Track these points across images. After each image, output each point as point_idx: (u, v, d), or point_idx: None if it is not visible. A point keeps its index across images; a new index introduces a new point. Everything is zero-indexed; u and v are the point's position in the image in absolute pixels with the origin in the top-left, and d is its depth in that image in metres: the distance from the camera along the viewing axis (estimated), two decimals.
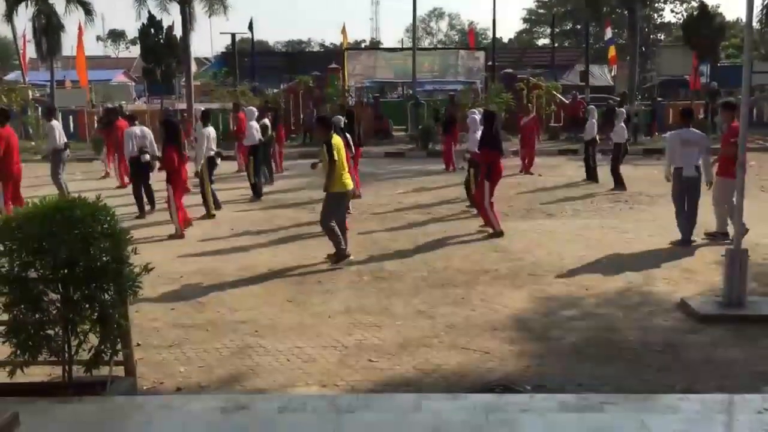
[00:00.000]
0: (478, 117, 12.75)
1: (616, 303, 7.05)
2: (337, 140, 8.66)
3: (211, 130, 12.24)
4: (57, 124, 13.91)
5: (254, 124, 14.22)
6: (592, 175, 15.56)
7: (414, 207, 12.83)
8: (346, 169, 8.77)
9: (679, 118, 10.00)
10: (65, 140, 13.72)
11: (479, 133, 11.00)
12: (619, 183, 14.24)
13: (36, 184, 13.89)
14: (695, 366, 5.47)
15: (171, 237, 10.39)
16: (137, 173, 12.38)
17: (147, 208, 12.25)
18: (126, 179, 14.81)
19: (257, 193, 13.84)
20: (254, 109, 15.30)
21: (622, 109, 16.17)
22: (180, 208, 10.57)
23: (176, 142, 10.49)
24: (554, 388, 5.00)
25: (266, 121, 15.38)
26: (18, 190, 10.78)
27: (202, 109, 14.99)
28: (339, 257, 8.61)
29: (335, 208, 8.74)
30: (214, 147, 12.22)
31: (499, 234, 10.12)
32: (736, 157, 7.02)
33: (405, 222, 11.41)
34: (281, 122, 19.37)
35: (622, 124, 14.61)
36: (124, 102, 31.99)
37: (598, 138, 15.67)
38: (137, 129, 12.62)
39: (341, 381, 5.29)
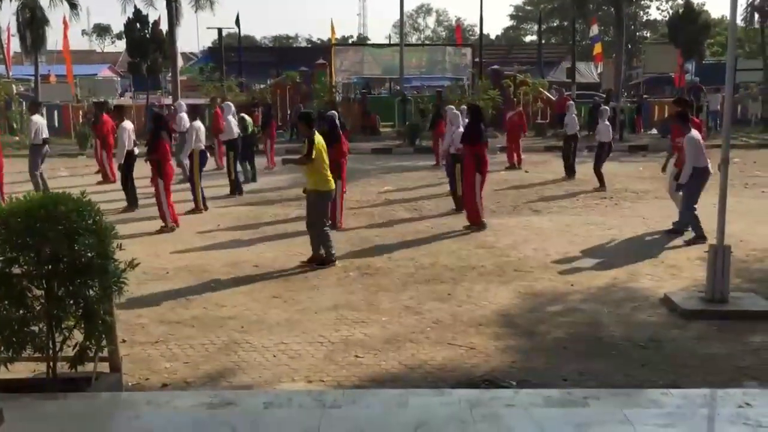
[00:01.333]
0: (458, 113, 12.81)
1: (600, 299, 7.11)
2: (318, 138, 8.43)
3: (199, 125, 12.18)
4: (39, 119, 13.80)
5: (231, 119, 14.18)
6: (569, 171, 15.57)
7: (401, 203, 12.85)
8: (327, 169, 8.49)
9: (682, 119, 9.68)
10: (45, 136, 13.57)
11: (461, 129, 11.06)
12: (601, 182, 14.18)
13: (19, 180, 13.77)
14: (678, 361, 5.52)
15: (161, 230, 10.37)
16: (129, 167, 12.40)
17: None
18: (116, 174, 14.75)
19: (237, 190, 13.74)
20: (231, 104, 15.17)
21: (606, 107, 16.16)
22: (170, 203, 10.54)
23: (168, 135, 10.53)
24: (539, 383, 5.03)
25: (245, 116, 15.37)
26: None
27: (186, 103, 14.95)
28: (327, 261, 8.41)
29: (326, 208, 8.66)
30: (203, 141, 12.17)
31: (482, 227, 10.16)
32: None
33: (392, 218, 11.43)
34: (273, 118, 19.29)
35: (607, 122, 14.35)
36: (111, 97, 31.82)
37: (579, 134, 15.69)
38: (129, 124, 12.68)
39: (327, 377, 5.29)
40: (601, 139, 14.03)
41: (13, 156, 20.39)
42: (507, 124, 18.21)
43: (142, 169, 11.83)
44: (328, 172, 8.51)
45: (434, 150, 18.54)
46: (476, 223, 10.35)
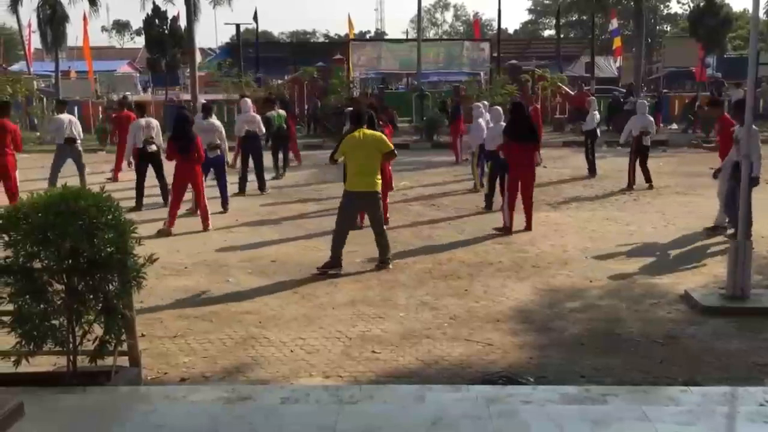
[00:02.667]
0: (483, 109, 12.79)
1: (619, 295, 7.06)
2: (349, 137, 8.17)
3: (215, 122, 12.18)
4: (62, 117, 13.76)
5: (242, 117, 14.15)
6: (590, 168, 15.46)
7: (418, 199, 12.83)
8: (360, 169, 8.01)
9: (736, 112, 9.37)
10: (69, 134, 13.36)
11: (484, 125, 10.99)
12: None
13: (42, 177, 13.89)
14: (697, 358, 5.47)
15: (206, 229, 10.30)
16: (142, 165, 12.37)
17: (147, 202, 12.28)
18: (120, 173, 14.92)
19: (241, 188, 13.39)
20: (249, 101, 15.16)
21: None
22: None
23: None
24: (556, 379, 5.01)
25: (273, 112, 15.34)
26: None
27: (203, 101, 14.94)
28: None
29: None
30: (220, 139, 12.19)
31: (507, 231, 9.85)
32: None
33: (409, 214, 11.41)
34: (291, 115, 19.26)
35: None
36: (128, 93, 32.03)
37: (598, 130, 15.59)
38: (143, 120, 12.60)
39: (344, 372, 5.31)
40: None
41: (34, 152, 20.63)
42: None
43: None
44: (358, 173, 8.13)
45: (453, 146, 18.50)
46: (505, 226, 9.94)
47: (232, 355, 5.66)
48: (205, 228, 10.27)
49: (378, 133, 8.32)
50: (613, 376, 5.13)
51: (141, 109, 13.37)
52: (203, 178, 10.63)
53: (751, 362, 5.38)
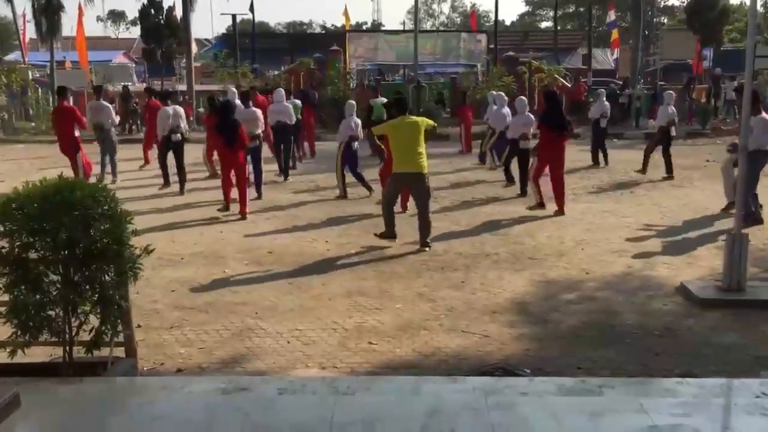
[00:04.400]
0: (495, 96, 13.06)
1: (615, 287, 7.07)
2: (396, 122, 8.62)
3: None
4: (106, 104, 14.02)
5: (274, 107, 14.25)
6: (594, 158, 15.63)
7: None
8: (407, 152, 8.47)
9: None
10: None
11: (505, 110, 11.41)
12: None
13: (38, 166, 13.85)
14: (694, 350, 5.48)
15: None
16: (166, 153, 12.77)
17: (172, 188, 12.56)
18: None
19: (285, 174, 14.00)
20: (282, 90, 15.18)
21: (671, 92, 16.18)
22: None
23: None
24: (553, 371, 5.02)
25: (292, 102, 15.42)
26: None
27: (234, 89, 15.20)
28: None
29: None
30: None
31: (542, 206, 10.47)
32: None
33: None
34: (311, 104, 19.18)
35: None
36: (129, 83, 31.89)
37: (602, 121, 15.67)
38: (170, 109, 12.69)
39: (341, 363, 5.31)
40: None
41: (28, 142, 20.56)
42: None
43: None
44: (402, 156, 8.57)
45: (461, 136, 18.62)
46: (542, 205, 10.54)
47: (229, 346, 5.65)
48: (243, 216, 10.39)
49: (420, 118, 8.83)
50: (610, 368, 5.14)
51: (167, 97, 13.44)
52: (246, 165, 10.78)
53: (749, 354, 5.39)
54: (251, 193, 11.46)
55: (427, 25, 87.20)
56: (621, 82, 28.91)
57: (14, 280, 4.26)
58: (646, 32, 47.67)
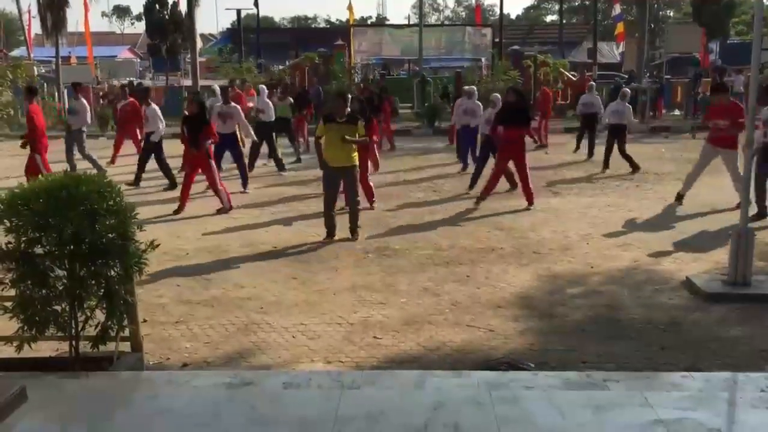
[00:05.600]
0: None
1: (620, 281, 7.06)
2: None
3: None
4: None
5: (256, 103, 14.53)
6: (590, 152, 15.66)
7: (419, 185, 12.82)
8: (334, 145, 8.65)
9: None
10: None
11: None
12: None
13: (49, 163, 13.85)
14: (699, 344, 5.47)
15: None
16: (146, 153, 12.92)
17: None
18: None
19: (279, 166, 14.24)
20: (264, 87, 15.35)
21: (626, 90, 16.16)
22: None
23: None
24: (558, 365, 5.01)
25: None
26: None
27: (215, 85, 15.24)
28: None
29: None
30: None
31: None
32: None
33: (410, 200, 11.40)
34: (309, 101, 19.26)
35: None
36: (133, 79, 31.93)
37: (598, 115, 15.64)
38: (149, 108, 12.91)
39: (346, 357, 5.31)
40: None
41: None
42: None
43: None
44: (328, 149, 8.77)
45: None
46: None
47: (234, 340, 5.67)
48: (221, 211, 10.52)
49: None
50: (615, 362, 5.13)
51: (147, 95, 13.50)
52: (213, 163, 10.76)
53: (754, 348, 5.38)
54: (238, 187, 11.88)
55: (432, 19, 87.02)
56: (626, 76, 28.82)
57: (20, 275, 4.29)
58: (652, 25, 47.49)
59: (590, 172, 13.93)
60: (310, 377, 4.50)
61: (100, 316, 4.51)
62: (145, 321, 5.71)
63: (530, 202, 10.59)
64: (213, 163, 10.60)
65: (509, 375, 4.55)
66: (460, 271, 7.45)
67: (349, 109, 8.95)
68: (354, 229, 8.81)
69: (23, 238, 4.26)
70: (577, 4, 71.46)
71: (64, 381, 4.31)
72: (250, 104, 15.80)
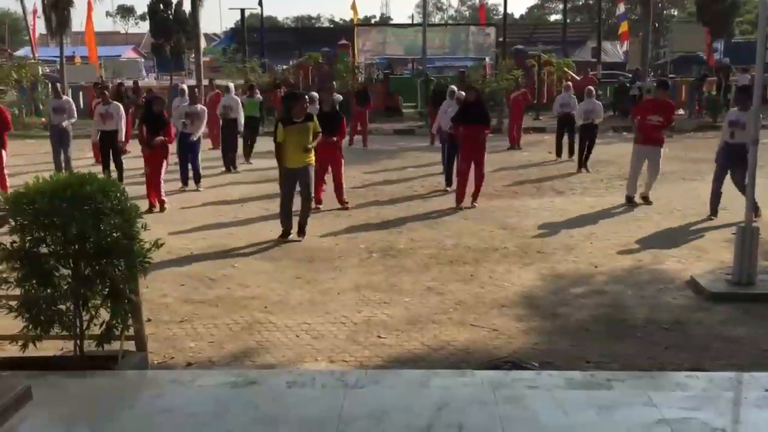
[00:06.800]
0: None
1: (624, 281, 7.05)
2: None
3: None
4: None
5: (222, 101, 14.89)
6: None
7: (423, 184, 12.80)
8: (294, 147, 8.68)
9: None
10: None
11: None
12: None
13: (48, 160, 13.89)
14: (703, 344, 5.47)
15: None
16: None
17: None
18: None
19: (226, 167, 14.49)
20: (231, 85, 15.70)
21: (591, 88, 16.16)
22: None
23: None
24: (562, 365, 5.01)
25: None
26: None
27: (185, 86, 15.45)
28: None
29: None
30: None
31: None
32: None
33: (414, 199, 11.39)
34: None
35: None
36: (138, 78, 31.99)
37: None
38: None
39: (350, 357, 5.32)
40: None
41: (39, 137, 20.63)
42: (511, 103, 18.32)
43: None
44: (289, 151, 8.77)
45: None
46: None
47: (238, 339, 5.68)
48: (161, 207, 10.72)
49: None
50: (619, 362, 5.13)
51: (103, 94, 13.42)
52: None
53: (758, 348, 5.37)
54: (190, 184, 12.37)
55: (436, 18, 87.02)
56: (630, 75, 28.76)
57: (25, 275, 4.30)
58: (656, 24, 47.43)
59: (594, 172, 13.89)
60: (314, 377, 4.50)
61: (104, 315, 4.51)
62: (149, 320, 5.71)
63: (475, 200, 10.70)
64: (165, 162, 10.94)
65: (513, 374, 4.54)
66: (463, 270, 7.45)
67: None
68: (303, 225, 8.91)
69: (28, 238, 4.27)
70: (580, 3, 71.35)
71: (69, 380, 4.32)
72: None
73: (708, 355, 5.24)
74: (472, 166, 10.57)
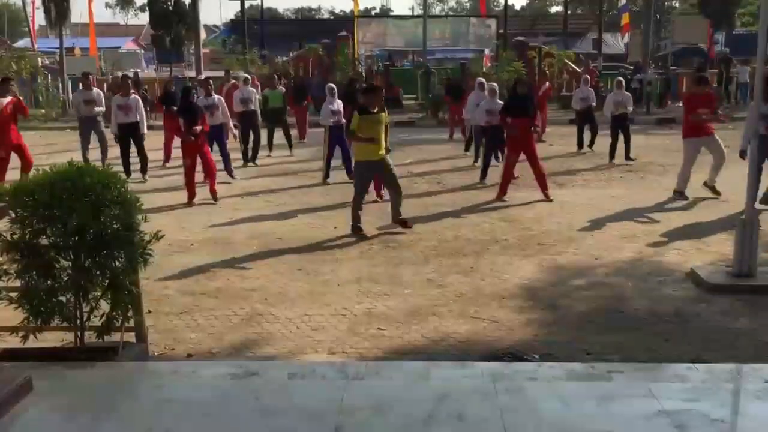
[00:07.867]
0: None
1: (625, 273, 7.05)
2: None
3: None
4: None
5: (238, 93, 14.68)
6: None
7: (424, 176, 12.80)
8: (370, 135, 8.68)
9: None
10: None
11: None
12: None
13: (49, 152, 13.90)
14: (703, 336, 5.47)
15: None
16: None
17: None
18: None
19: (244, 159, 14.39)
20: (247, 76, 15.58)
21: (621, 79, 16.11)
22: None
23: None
24: (562, 356, 5.02)
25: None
26: None
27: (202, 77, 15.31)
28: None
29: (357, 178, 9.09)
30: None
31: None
32: None
33: (415, 191, 11.38)
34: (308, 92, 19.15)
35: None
36: (138, 70, 31.91)
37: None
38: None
39: (350, 348, 5.32)
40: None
41: (39, 129, 20.62)
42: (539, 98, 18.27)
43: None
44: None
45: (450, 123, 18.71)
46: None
47: (239, 331, 5.68)
48: (214, 197, 10.74)
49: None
50: (619, 353, 5.13)
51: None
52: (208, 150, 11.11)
53: (759, 340, 5.37)
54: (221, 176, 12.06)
55: (437, 10, 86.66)
56: (632, 67, 28.69)
57: (26, 266, 4.30)
58: (657, 16, 47.26)
59: (596, 164, 13.89)
60: (314, 368, 4.51)
61: (105, 306, 4.52)
62: (149, 311, 5.71)
63: (547, 191, 10.62)
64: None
65: (513, 366, 4.55)
66: (464, 262, 7.45)
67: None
68: (399, 216, 8.93)
69: (28, 229, 4.27)
70: None
71: (70, 371, 4.32)
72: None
73: (708, 347, 5.24)
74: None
